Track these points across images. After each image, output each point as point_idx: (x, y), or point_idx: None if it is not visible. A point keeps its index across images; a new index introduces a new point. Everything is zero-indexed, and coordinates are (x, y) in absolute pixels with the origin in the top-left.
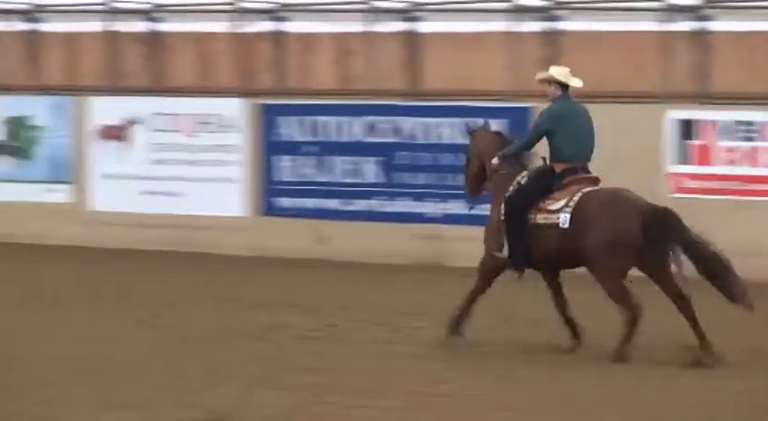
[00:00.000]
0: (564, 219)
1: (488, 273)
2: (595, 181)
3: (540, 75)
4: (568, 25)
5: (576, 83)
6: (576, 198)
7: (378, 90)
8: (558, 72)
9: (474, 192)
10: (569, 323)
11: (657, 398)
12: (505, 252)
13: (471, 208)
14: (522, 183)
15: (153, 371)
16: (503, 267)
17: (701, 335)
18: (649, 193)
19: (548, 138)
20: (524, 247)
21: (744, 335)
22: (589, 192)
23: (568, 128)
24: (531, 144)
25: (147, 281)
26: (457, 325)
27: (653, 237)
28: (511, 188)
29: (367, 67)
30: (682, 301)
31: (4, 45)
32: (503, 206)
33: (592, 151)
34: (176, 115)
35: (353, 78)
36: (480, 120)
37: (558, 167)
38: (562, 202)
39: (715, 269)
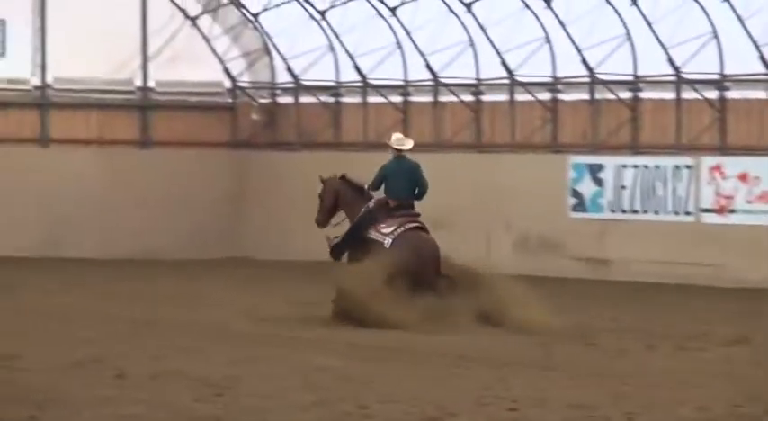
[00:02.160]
0: (388, 242)
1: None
2: (417, 215)
3: (387, 140)
4: None
5: (405, 146)
6: (398, 231)
7: None
8: (393, 140)
9: (325, 223)
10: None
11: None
12: (333, 243)
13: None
14: (371, 207)
15: None
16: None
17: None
18: None
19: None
20: (357, 251)
21: None
22: (407, 230)
23: (393, 178)
24: (375, 185)
25: None
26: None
27: (419, 271)
28: (363, 210)
29: None
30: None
31: None
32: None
33: (412, 194)
34: None
35: None
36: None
37: (392, 203)
38: (391, 230)
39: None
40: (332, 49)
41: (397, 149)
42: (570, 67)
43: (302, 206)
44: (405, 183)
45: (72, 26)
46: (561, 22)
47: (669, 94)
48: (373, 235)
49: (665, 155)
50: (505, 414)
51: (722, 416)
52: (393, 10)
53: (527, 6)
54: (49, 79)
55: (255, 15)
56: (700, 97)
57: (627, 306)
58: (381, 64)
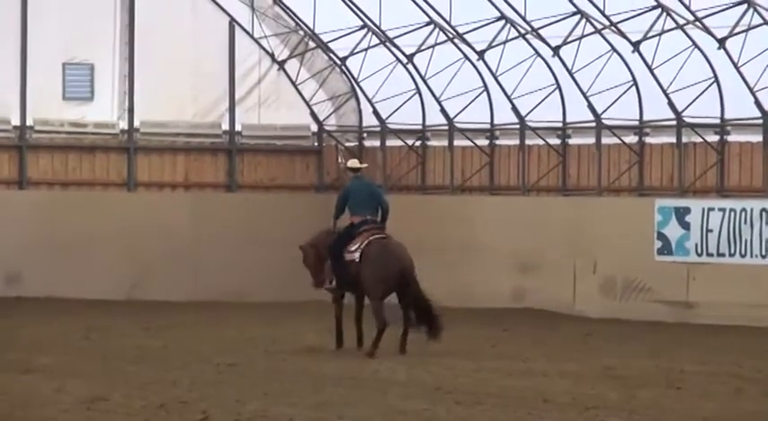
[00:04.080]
0: (357, 257)
1: (336, 299)
2: (382, 229)
3: (344, 165)
4: None
5: (361, 166)
6: (365, 243)
7: None
8: (351, 162)
9: (321, 283)
10: (359, 331)
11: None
12: (333, 283)
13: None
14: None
15: None
16: (341, 293)
17: (402, 341)
18: None
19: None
20: (345, 276)
21: None
22: (374, 239)
23: (354, 196)
24: (338, 209)
25: None
26: (337, 340)
27: (403, 282)
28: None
29: None
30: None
31: None
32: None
33: (373, 208)
34: None
35: None
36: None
37: (355, 219)
38: (357, 245)
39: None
40: (418, 92)
41: (353, 169)
42: (657, 111)
43: None
44: (366, 199)
45: (159, 70)
46: (648, 66)
47: (756, 137)
48: (346, 257)
49: (752, 198)
50: None
51: None
52: (480, 54)
53: (615, 51)
54: (136, 123)
55: (342, 59)
56: None
57: (713, 349)
58: (468, 107)
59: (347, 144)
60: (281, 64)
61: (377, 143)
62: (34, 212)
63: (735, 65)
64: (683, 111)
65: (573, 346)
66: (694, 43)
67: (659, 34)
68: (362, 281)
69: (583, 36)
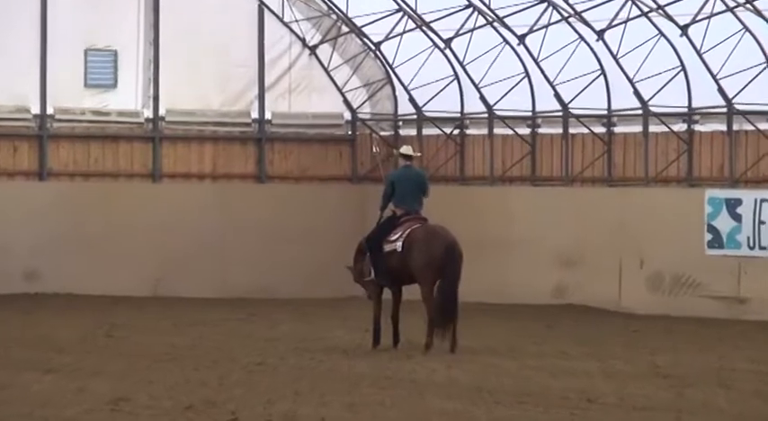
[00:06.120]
0: (399, 246)
1: (375, 297)
2: (423, 219)
3: (395, 152)
4: None
5: (415, 154)
6: (407, 232)
7: None
8: (403, 149)
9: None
10: (395, 329)
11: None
12: (372, 274)
13: None
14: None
15: None
16: (380, 286)
17: (452, 339)
18: None
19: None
20: (384, 267)
21: None
22: (415, 228)
23: (400, 186)
24: (384, 197)
25: None
26: (375, 339)
27: (448, 260)
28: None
29: None
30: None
31: None
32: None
33: (417, 201)
34: None
35: None
36: None
37: (398, 211)
38: (398, 234)
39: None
40: (456, 78)
41: (405, 156)
42: (706, 97)
43: None
44: (412, 189)
45: (185, 56)
46: (697, 51)
47: None
48: (387, 247)
49: None
50: None
51: None
52: (521, 38)
53: (662, 35)
54: (162, 111)
55: (377, 44)
56: None
57: (764, 346)
58: (508, 94)
59: (382, 133)
60: (313, 49)
61: (413, 132)
62: (55, 205)
63: None
64: (734, 97)
65: (619, 344)
66: (745, 27)
67: (708, 17)
68: (411, 268)
69: (628, 19)
